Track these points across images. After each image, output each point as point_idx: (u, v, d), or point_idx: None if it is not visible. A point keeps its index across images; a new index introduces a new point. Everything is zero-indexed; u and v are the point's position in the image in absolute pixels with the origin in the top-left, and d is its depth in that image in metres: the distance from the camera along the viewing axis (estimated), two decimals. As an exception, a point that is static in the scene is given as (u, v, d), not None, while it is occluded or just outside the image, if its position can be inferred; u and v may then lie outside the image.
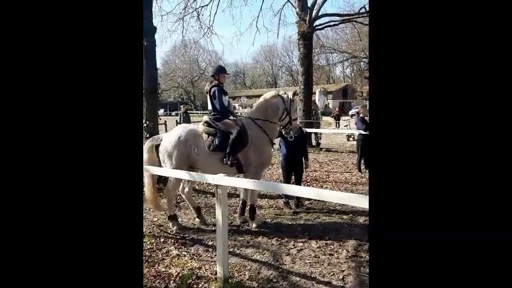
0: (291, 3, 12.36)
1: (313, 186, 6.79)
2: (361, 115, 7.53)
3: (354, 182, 7.01)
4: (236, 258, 3.60)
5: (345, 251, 3.75)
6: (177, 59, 56.86)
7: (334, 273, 3.26)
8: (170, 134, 4.62)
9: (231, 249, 3.79)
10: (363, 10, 12.10)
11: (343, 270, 3.31)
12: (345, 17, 13.09)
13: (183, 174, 3.73)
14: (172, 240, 4.09)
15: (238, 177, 4.23)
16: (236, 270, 3.32)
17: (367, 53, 28.53)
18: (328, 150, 12.18)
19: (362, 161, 7.50)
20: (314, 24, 11.98)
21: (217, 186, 3.12)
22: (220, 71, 4.67)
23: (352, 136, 13.02)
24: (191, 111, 46.89)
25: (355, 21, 13.46)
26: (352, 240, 4.01)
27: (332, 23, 12.86)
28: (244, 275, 3.24)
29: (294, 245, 3.91)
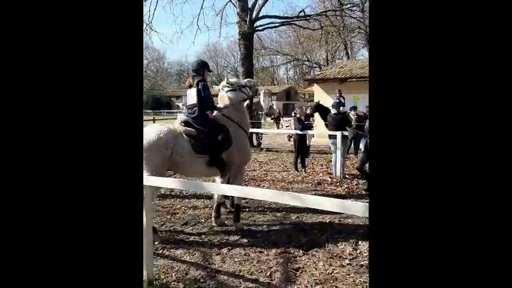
0: (232, 3, 12.41)
1: (250, 185, 6.85)
2: (297, 115, 7.73)
3: (290, 180, 7.17)
4: (165, 260, 3.51)
5: (275, 248, 3.82)
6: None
7: (262, 270, 3.30)
8: (145, 134, 3.91)
9: (161, 251, 3.70)
10: (302, 14, 12.46)
11: (271, 267, 3.37)
12: (285, 20, 13.40)
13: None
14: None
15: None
16: (163, 272, 3.24)
17: (308, 57, 29.50)
18: (268, 150, 12.37)
19: (298, 160, 7.70)
20: (254, 25, 12.13)
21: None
22: (206, 67, 4.43)
23: (292, 136, 13.34)
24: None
25: (294, 24, 13.83)
26: (283, 237, 4.09)
27: (272, 25, 13.10)
28: (171, 276, 3.17)
29: (225, 245, 3.90)
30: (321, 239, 4.03)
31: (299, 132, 7.49)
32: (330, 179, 7.10)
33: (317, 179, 7.17)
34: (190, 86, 4.37)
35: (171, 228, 4.49)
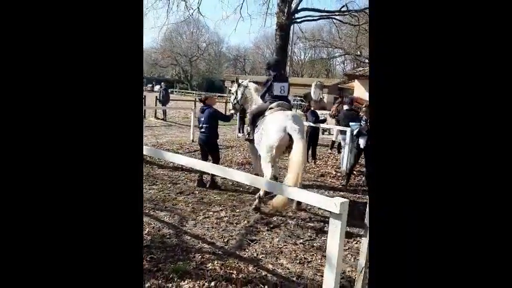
0: (276, -7, 12.70)
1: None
2: (312, 109, 8.01)
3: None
4: (148, 218, 4.12)
5: (246, 221, 4.28)
6: (179, 36, 56.50)
7: (223, 237, 3.79)
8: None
9: (147, 211, 4.31)
10: (344, 8, 12.46)
11: (232, 236, 3.84)
12: (324, 13, 13.44)
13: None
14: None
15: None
16: (139, 226, 3.85)
17: (361, 51, 28.83)
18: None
19: (309, 152, 8.00)
20: (293, 17, 12.36)
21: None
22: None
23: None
24: (187, 91, 46.96)
25: (334, 18, 13.82)
26: (257, 215, 4.53)
27: (310, 18, 13.22)
28: (144, 230, 3.76)
29: (204, 214, 4.43)
30: (293, 222, 4.42)
31: (312, 124, 7.77)
32: (334, 173, 7.34)
33: (322, 171, 7.45)
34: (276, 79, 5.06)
35: (167, 194, 5.10)
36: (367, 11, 12.99)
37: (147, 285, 2.74)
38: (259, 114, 5.08)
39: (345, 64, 52.64)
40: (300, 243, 3.79)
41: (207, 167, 3.15)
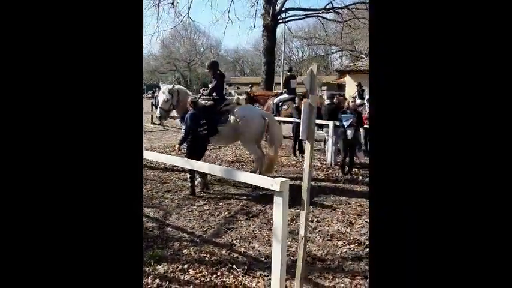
0: (261, -6, 13.02)
1: (249, 165, 7.58)
2: (295, 105, 8.32)
3: (284, 164, 7.80)
4: (134, 214, 4.42)
5: (227, 212, 4.57)
6: (176, 42, 56.87)
7: (202, 227, 4.08)
8: None
9: (134, 208, 4.61)
10: (329, 6, 12.75)
11: (212, 225, 4.14)
12: (308, 12, 13.72)
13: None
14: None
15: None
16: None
17: (355, 47, 29.10)
18: (285, 137, 12.93)
19: (296, 146, 8.29)
20: (278, 18, 12.66)
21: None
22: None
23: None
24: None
25: (319, 16, 14.09)
26: (240, 206, 4.82)
27: (296, 17, 13.52)
28: (129, 224, 4.07)
29: (188, 208, 4.73)
30: (271, 211, 4.69)
31: (297, 120, 8.05)
32: (320, 165, 7.61)
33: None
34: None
35: (155, 193, 5.40)
36: (351, 7, 13.33)
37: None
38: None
39: (342, 60, 52.53)
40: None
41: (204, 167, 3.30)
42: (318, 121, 8.43)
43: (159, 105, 6.00)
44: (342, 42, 29.52)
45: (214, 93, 5.88)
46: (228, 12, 14.62)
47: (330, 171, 7.16)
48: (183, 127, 5.52)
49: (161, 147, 9.64)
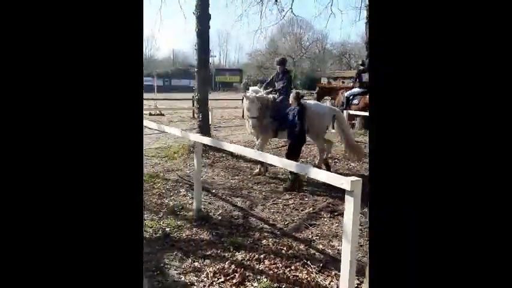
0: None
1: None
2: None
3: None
4: (221, 201, 4.71)
5: (311, 208, 4.56)
6: (282, 37, 57.74)
7: (284, 220, 4.14)
8: None
9: (224, 197, 4.91)
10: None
11: (294, 220, 4.17)
12: None
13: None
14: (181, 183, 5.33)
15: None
16: (211, 206, 4.46)
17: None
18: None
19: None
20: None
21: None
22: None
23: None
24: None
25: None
26: (325, 203, 4.76)
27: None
28: (217, 210, 4.35)
29: (273, 200, 4.84)
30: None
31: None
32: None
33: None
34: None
35: (245, 184, 5.63)
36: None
37: (208, 253, 3.27)
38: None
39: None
40: (359, 228, 3.92)
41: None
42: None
43: (251, 116, 5.71)
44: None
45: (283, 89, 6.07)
46: (331, 5, 14.24)
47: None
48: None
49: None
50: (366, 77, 9.46)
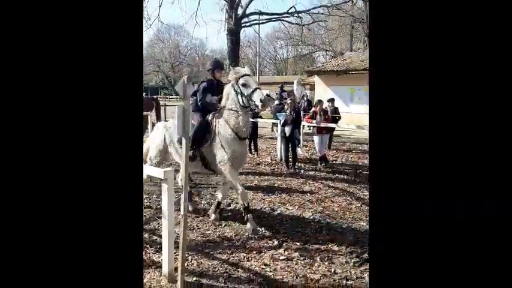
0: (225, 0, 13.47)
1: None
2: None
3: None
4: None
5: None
6: (160, 43, 56.91)
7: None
8: None
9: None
10: (292, 10, 13.30)
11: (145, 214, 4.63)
12: (272, 16, 14.27)
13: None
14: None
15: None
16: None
17: (331, 47, 29.75)
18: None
19: (251, 144, 8.81)
20: (241, 22, 13.21)
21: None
22: (214, 65, 4.55)
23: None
24: (171, 96, 47.23)
25: (283, 20, 14.64)
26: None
27: (257, 22, 14.05)
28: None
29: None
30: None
31: (252, 120, 8.56)
32: (270, 161, 8.16)
33: (259, 160, 8.28)
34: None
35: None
36: (312, 11, 13.76)
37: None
38: None
39: (326, 59, 52.90)
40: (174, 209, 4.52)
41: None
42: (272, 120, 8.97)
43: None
44: (321, 42, 30.19)
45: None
46: (196, 16, 15.21)
47: (277, 166, 7.71)
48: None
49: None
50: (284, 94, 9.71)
